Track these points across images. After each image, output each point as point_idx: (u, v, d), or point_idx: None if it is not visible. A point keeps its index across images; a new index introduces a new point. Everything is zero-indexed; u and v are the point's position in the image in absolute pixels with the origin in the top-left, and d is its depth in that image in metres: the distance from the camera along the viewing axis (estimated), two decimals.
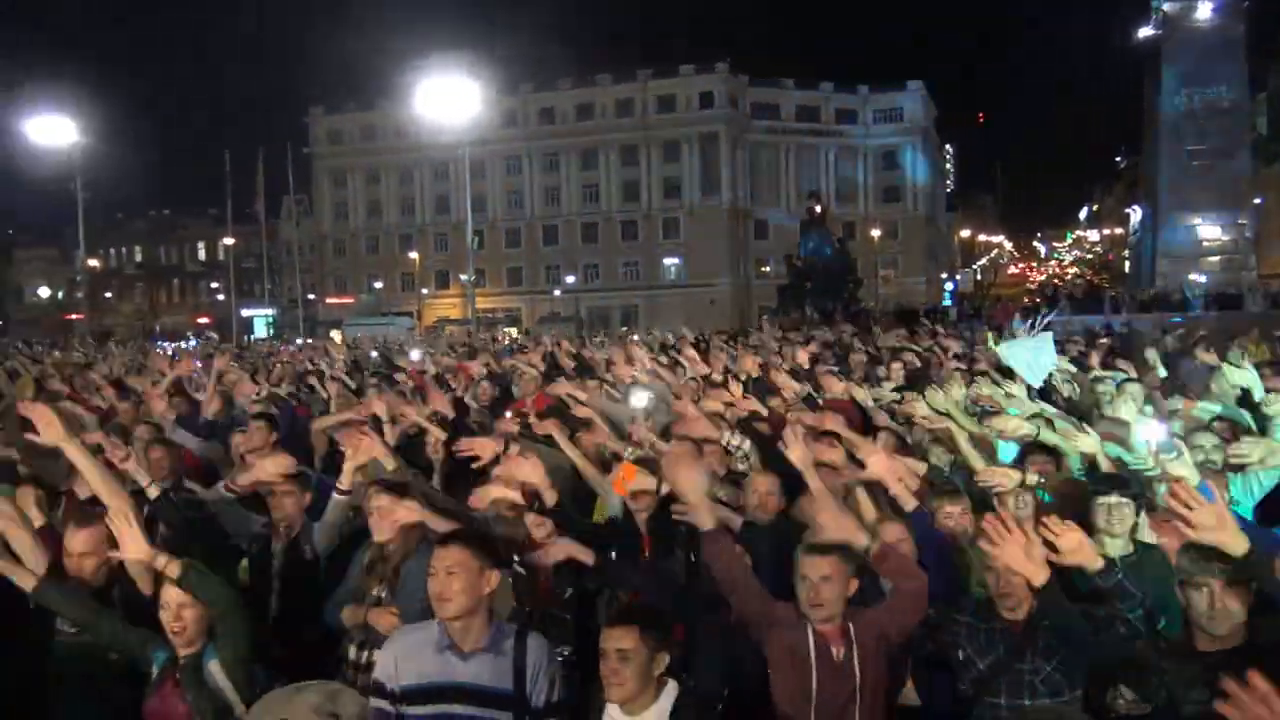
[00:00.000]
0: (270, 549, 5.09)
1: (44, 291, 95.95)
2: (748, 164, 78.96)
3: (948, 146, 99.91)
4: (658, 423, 7.14)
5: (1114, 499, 4.43)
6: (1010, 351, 8.64)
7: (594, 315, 71.84)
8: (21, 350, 24.66)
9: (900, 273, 79.21)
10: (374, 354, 18.70)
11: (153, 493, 4.96)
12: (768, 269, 75.63)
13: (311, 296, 74.61)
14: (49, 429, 4.57)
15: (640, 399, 7.40)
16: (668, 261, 77.31)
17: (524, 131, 78.29)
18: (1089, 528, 4.12)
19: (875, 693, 3.63)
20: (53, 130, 41.92)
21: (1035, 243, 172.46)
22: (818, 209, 63.07)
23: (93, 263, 70.42)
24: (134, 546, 3.80)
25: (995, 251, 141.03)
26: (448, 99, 39.60)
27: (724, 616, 3.99)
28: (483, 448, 5.73)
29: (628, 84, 77.77)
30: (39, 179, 50.73)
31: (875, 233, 73.78)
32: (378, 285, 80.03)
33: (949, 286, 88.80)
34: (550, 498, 4.78)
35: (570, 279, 76.86)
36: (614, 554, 4.63)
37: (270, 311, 73.46)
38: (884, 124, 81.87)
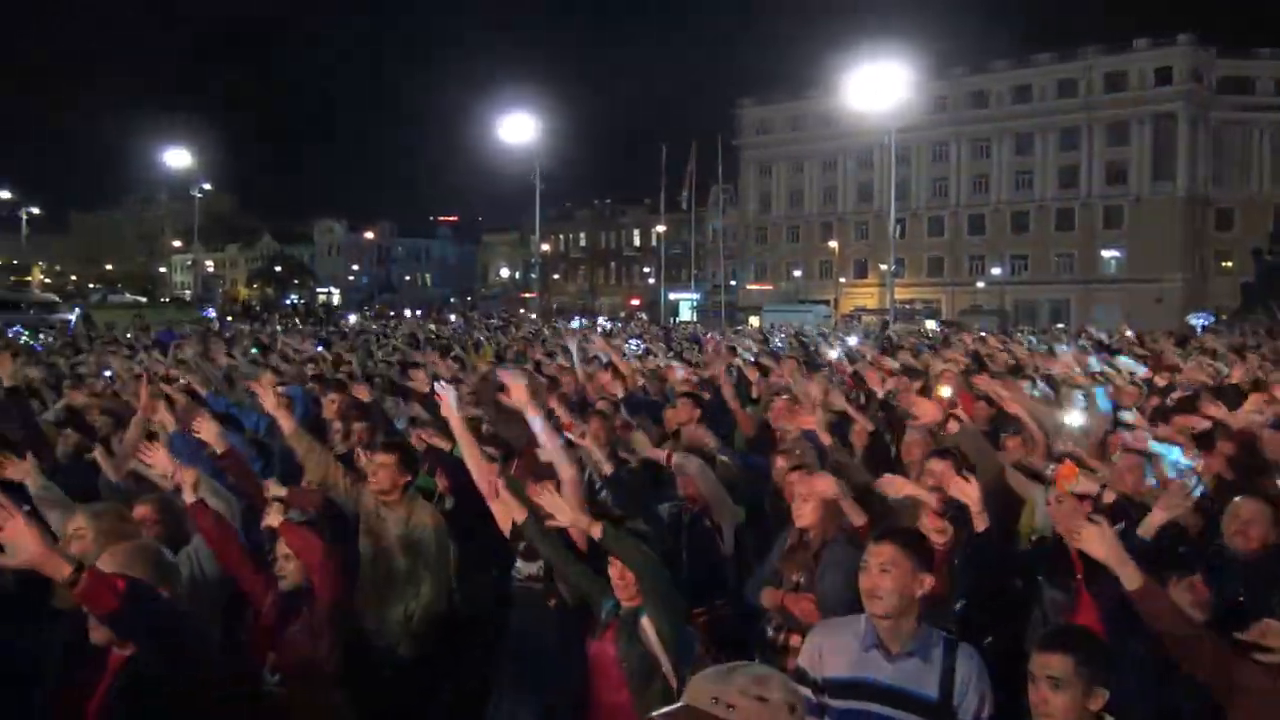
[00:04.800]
0: (681, 520, 5.41)
1: (504, 272, 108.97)
2: (1210, 146, 70.37)
3: None
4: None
5: None
6: None
7: (1020, 309, 68.03)
8: (484, 323, 28.01)
9: None
10: (777, 342, 19.26)
11: (607, 469, 5.49)
12: (1229, 264, 67.16)
13: (733, 282, 77.42)
14: (518, 394, 5.13)
15: (1076, 418, 6.96)
16: (1107, 254, 70.93)
17: (953, 116, 75.69)
18: None
19: None
20: (518, 128, 47.12)
21: None
22: None
23: (545, 247, 78.16)
24: (567, 512, 4.27)
25: None
26: (876, 86, 39.14)
27: (1156, 650, 3.55)
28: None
29: (1071, 63, 72.35)
30: (504, 172, 57.46)
31: None
32: (797, 273, 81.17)
33: None
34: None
35: (996, 270, 73.36)
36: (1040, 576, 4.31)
37: (695, 295, 77.35)
38: None
